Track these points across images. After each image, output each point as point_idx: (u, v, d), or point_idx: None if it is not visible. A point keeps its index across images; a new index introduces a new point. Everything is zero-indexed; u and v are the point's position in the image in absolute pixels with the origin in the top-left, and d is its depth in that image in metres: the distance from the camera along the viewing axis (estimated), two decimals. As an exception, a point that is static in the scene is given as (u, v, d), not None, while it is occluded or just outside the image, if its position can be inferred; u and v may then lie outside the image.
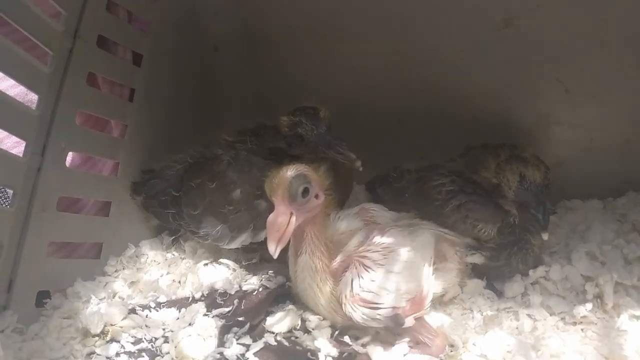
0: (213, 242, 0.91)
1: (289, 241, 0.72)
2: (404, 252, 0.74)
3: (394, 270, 0.72)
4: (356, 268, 0.72)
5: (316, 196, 0.71)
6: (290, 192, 0.68)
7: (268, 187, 0.70)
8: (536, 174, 0.81)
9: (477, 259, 0.85)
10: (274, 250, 0.67)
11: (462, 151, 0.97)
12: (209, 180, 0.89)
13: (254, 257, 0.93)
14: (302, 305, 0.83)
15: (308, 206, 0.70)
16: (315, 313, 0.79)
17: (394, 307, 0.71)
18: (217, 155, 0.92)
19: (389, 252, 0.73)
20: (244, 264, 0.92)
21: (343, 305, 0.72)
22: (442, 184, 0.88)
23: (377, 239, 0.75)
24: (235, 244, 0.89)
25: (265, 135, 0.95)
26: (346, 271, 0.73)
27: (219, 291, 0.84)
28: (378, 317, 0.71)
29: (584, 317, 0.77)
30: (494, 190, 0.84)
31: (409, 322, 0.72)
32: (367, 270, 0.72)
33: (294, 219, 0.68)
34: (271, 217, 0.68)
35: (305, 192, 0.69)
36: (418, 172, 0.94)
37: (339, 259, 0.75)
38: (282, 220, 0.68)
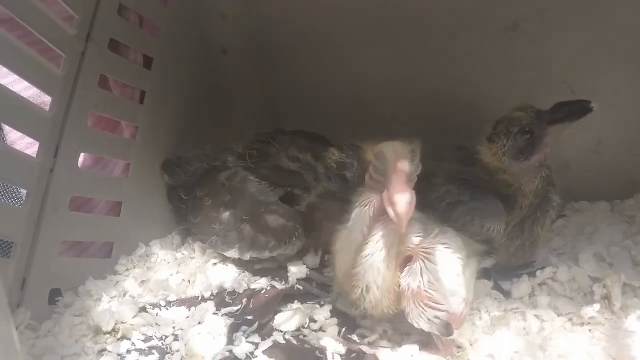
0: (210, 247, 0.93)
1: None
2: (462, 257, 0.73)
3: (455, 272, 0.71)
4: (424, 263, 0.70)
5: None
6: (412, 167, 0.63)
7: (383, 158, 0.64)
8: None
9: (488, 263, 0.85)
10: (405, 226, 0.61)
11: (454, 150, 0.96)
12: (206, 195, 0.92)
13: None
14: (310, 304, 0.84)
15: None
16: (327, 311, 0.79)
17: (448, 312, 0.69)
18: (222, 168, 0.94)
19: (451, 253, 0.71)
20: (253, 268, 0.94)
21: (406, 299, 0.70)
22: (441, 197, 0.87)
23: (441, 238, 0.72)
24: (228, 254, 0.91)
25: (276, 144, 0.94)
26: (408, 264, 0.71)
27: (228, 290, 0.85)
28: (435, 319, 0.69)
29: (592, 318, 0.76)
30: (527, 145, 0.81)
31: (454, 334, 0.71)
32: (435, 268, 0.69)
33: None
34: (402, 190, 0.61)
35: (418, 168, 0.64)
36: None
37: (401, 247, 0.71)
38: (412, 196, 0.61)
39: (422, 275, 0.69)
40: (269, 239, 0.88)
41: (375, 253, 0.69)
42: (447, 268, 0.70)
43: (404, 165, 0.62)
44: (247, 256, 0.90)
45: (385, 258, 0.69)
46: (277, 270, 0.92)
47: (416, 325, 0.70)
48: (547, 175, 0.86)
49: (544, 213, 0.87)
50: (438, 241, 0.72)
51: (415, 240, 0.71)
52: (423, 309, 0.69)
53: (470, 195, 0.86)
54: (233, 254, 0.90)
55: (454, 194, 0.87)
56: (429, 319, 0.69)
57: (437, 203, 0.87)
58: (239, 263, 0.93)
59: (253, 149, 0.94)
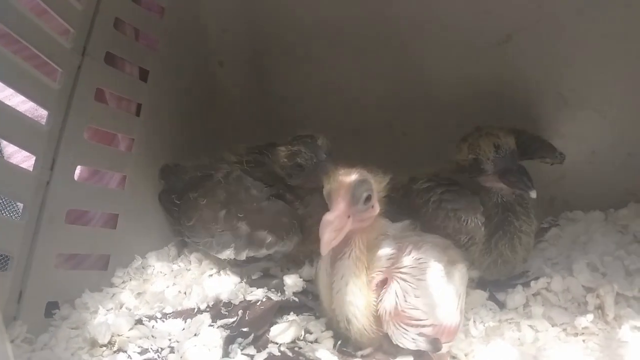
0: (204, 249, 0.93)
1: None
2: (441, 267, 0.73)
3: (434, 284, 0.71)
4: (399, 284, 0.70)
5: (372, 206, 0.69)
6: (353, 196, 0.65)
7: (329, 185, 0.67)
8: (509, 140, 0.83)
9: (474, 273, 0.86)
10: (326, 248, 0.63)
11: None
12: (201, 195, 0.92)
13: (255, 269, 0.94)
14: (305, 316, 0.84)
15: (365, 214, 0.68)
16: (323, 323, 0.80)
17: (433, 325, 0.70)
18: (216, 171, 0.94)
19: (426, 267, 0.72)
20: (250, 279, 0.94)
21: (385, 323, 0.70)
22: (420, 185, 0.90)
23: (414, 253, 0.73)
24: (223, 256, 0.91)
25: (269, 155, 0.96)
26: (384, 286, 0.71)
27: (224, 302, 0.85)
28: (419, 336, 0.70)
29: (585, 328, 0.77)
30: (473, 169, 0.85)
31: (444, 349, 0.71)
32: (411, 286, 0.70)
33: (349, 222, 0.65)
34: (328, 215, 0.64)
35: (368, 199, 0.66)
36: (402, 188, 0.95)
37: (375, 270, 0.72)
38: (340, 222, 0.64)
39: (397, 296, 0.70)
40: (266, 236, 0.88)
41: (342, 288, 0.71)
42: (425, 283, 0.71)
43: (340, 192, 0.65)
44: (242, 255, 0.89)
45: (352, 290, 0.70)
46: (273, 267, 0.93)
47: (402, 346, 0.71)
48: (503, 202, 0.87)
49: (507, 233, 0.87)
50: (412, 258, 0.73)
51: (387, 262, 0.73)
52: (404, 329, 0.70)
53: (449, 182, 0.89)
54: (228, 254, 0.90)
55: (434, 180, 0.90)
56: (412, 338, 0.70)
57: (419, 197, 0.89)
58: (234, 264, 0.93)
59: (247, 158, 0.96)
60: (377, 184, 0.70)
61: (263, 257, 0.90)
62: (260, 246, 0.88)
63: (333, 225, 0.63)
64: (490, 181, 0.86)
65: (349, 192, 0.65)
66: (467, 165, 0.86)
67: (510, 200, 0.87)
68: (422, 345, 0.70)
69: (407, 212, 0.89)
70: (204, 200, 0.91)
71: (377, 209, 0.70)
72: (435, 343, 0.70)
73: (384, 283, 0.72)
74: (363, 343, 0.75)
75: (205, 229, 0.91)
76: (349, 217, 0.65)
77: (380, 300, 0.71)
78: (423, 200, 0.88)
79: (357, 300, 0.71)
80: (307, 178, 0.87)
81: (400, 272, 0.72)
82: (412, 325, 0.70)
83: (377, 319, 0.72)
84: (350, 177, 0.66)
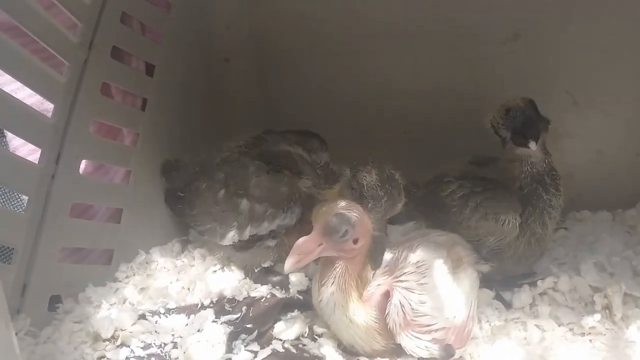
0: (209, 238, 0.93)
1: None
2: (441, 265, 0.73)
3: (437, 285, 0.71)
4: (401, 293, 0.70)
5: (355, 241, 0.69)
6: (327, 227, 0.68)
7: (315, 211, 0.70)
8: (519, 102, 0.83)
9: (485, 267, 0.85)
10: (288, 268, 0.68)
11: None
12: (202, 182, 0.93)
13: (261, 253, 0.93)
14: (309, 313, 0.83)
15: (342, 247, 0.69)
16: (326, 328, 0.79)
17: (444, 328, 0.70)
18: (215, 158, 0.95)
19: (425, 268, 0.72)
20: (254, 272, 0.93)
21: (397, 335, 0.70)
22: (453, 191, 0.88)
23: (411, 257, 0.73)
24: (226, 241, 0.90)
25: (267, 139, 0.97)
26: (387, 298, 0.71)
27: (228, 298, 0.85)
28: (432, 343, 0.69)
29: (593, 328, 0.76)
30: (501, 142, 0.85)
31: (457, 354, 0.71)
32: (414, 293, 0.70)
33: (319, 249, 0.68)
34: (301, 239, 0.68)
35: (344, 234, 0.68)
36: (426, 187, 0.94)
37: (373, 285, 0.73)
38: (308, 246, 0.68)
39: (402, 306, 0.70)
40: (266, 207, 0.87)
41: (330, 315, 0.72)
42: (427, 286, 0.71)
43: (319, 220, 0.69)
44: (245, 234, 0.89)
45: (342, 319, 0.71)
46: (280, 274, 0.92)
47: (416, 356, 0.70)
48: (533, 172, 0.86)
49: (536, 209, 0.86)
50: (409, 263, 0.73)
51: (384, 277, 0.73)
52: (417, 338, 0.69)
53: (483, 186, 0.87)
54: (232, 236, 0.89)
55: (467, 187, 0.88)
56: (426, 347, 0.69)
57: (450, 200, 0.88)
58: (239, 248, 0.91)
59: (246, 141, 0.97)
60: (365, 224, 0.71)
61: (267, 233, 0.89)
62: (262, 220, 0.88)
63: (299, 249, 0.68)
64: (514, 152, 0.85)
65: (325, 223, 0.68)
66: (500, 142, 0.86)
67: (541, 171, 0.86)
68: (436, 352, 0.69)
69: (429, 209, 0.90)
70: (204, 184, 0.92)
71: (361, 243, 0.70)
72: (448, 349, 0.70)
73: (387, 295, 0.72)
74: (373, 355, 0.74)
75: (208, 214, 0.91)
76: (320, 245, 0.68)
77: (388, 314, 0.70)
78: (458, 203, 0.87)
79: (353, 327, 0.72)
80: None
81: (400, 281, 0.71)
82: (423, 333, 0.69)
83: (384, 334, 0.72)
84: (331, 209, 0.69)
